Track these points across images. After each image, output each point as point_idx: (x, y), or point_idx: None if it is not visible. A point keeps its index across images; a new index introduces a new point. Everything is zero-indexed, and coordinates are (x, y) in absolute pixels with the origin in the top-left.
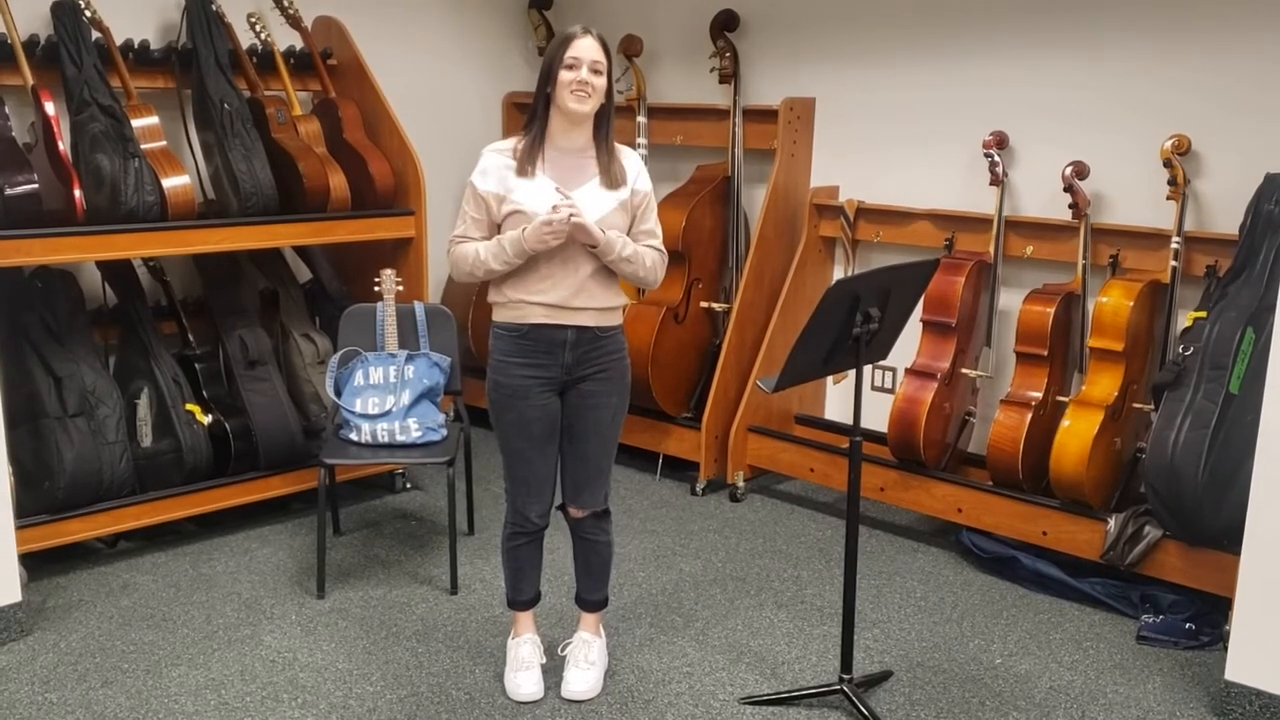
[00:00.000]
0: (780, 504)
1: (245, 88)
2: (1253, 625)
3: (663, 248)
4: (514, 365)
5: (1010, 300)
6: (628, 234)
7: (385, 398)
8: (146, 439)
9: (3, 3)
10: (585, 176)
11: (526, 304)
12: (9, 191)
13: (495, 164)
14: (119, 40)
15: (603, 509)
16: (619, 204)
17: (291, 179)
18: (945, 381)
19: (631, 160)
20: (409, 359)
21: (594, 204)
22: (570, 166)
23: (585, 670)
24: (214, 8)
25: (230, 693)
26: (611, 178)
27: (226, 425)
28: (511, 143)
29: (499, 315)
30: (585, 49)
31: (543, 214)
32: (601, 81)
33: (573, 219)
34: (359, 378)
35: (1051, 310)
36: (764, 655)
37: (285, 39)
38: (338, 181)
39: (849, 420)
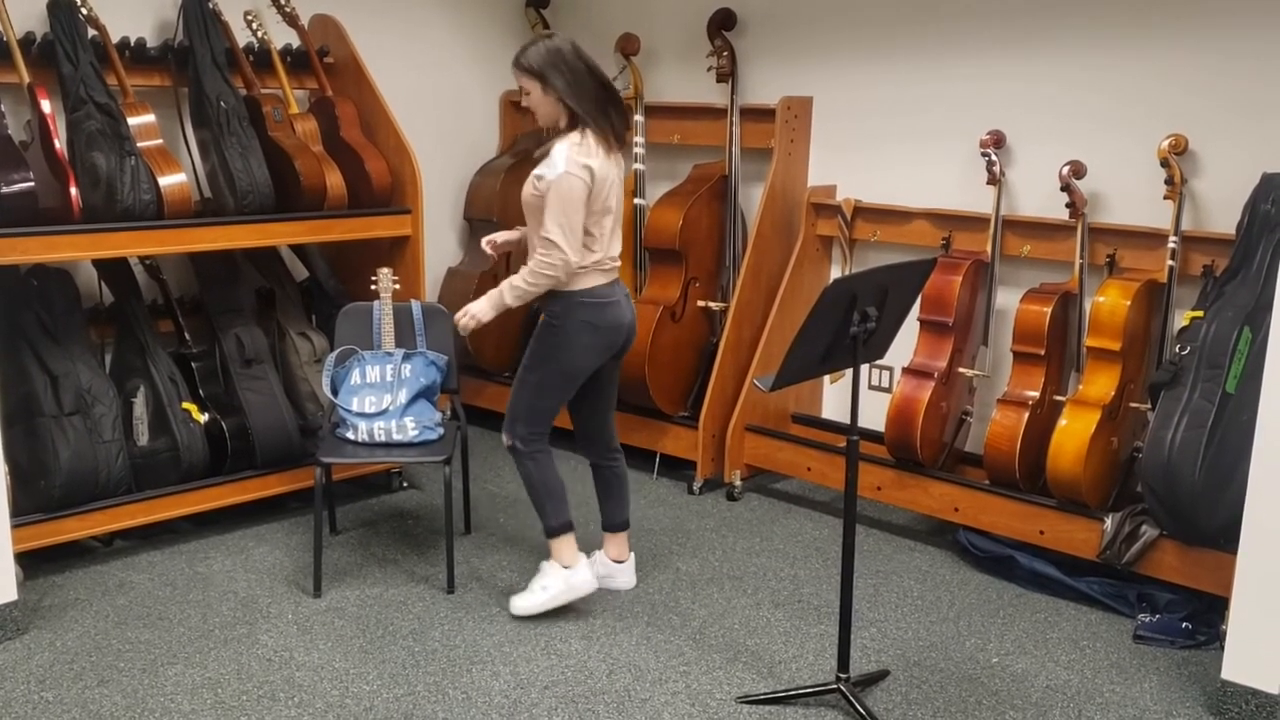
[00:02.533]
0: (777, 503)
1: (242, 86)
2: (1249, 624)
3: (536, 248)
4: None
5: (1007, 299)
6: None
7: (382, 396)
8: (143, 437)
9: None
10: None
11: None
12: (5, 190)
13: None
14: (115, 38)
15: (508, 441)
16: (531, 196)
17: (288, 177)
18: (942, 380)
19: (548, 158)
20: (406, 357)
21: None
22: None
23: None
24: (211, 6)
25: (227, 691)
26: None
27: (223, 424)
28: None
29: None
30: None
31: None
32: (531, 100)
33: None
34: (355, 376)
35: (1048, 309)
36: (761, 654)
37: (282, 37)
38: (334, 180)
39: (846, 419)
